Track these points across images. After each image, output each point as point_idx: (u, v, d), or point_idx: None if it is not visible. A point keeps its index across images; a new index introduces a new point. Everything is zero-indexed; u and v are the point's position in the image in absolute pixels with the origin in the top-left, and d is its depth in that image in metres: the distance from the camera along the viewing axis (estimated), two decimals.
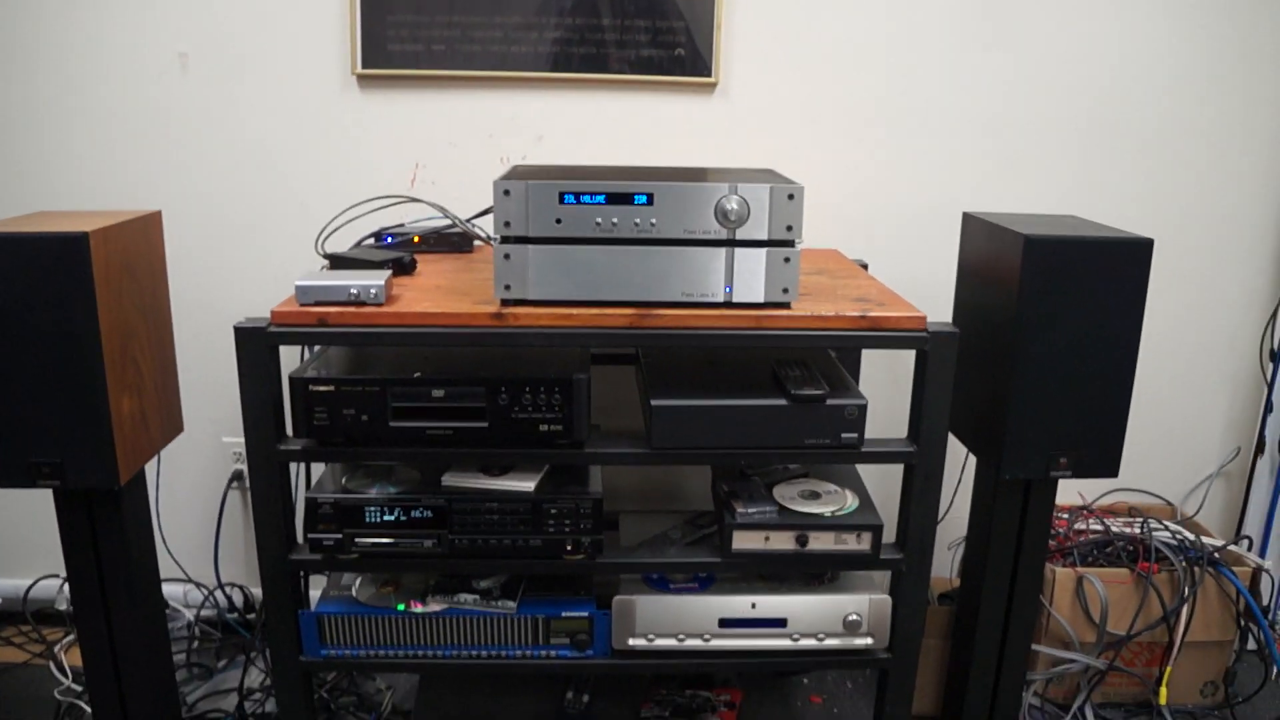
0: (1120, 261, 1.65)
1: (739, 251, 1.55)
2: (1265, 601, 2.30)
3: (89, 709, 1.92)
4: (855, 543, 1.70)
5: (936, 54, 2.18)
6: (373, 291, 1.58)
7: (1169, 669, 2.16)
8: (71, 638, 2.31)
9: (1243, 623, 2.19)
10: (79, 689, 2.12)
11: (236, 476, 2.35)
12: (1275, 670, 2.21)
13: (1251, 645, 2.33)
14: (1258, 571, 2.17)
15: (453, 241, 2.00)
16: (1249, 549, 2.36)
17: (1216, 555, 2.15)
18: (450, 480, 1.69)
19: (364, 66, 2.13)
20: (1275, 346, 2.32)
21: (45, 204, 2.19)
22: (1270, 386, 2.33)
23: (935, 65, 2.18)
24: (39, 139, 2.18)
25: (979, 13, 2.16)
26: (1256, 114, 2.24)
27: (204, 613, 2.39)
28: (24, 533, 2.41)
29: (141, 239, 1.71)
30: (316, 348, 1.80)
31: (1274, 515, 2.39)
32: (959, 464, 2.23)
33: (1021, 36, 2.17)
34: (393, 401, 1.58)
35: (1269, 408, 2.34)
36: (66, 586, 2.03)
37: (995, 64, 2.19)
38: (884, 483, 2.20)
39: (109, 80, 2.15)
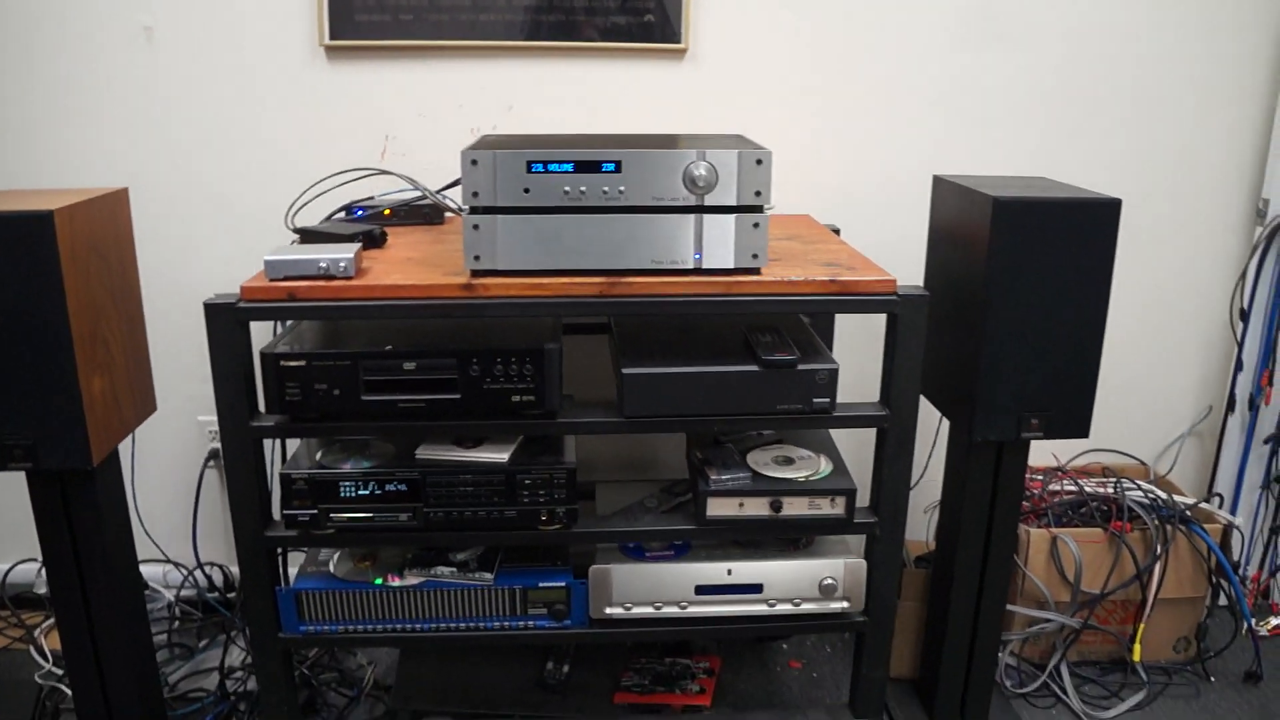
0: (1088, 222, 1.66)
1: (708, 218, 1.55)
2: (1235, 557, 2.33)
3: (70, 692, 1.92)
4: (829, 507, 1.71)
5: (906, 18, 2.17)
6: (342, 265, 1.57)
7: (1142, 626, 2.19)
8: (51, 621, 2.30)
9: (1214, 579, 2.22)
10: (59, 672, 2.12)
11: (213, 455, 2.34)
12: (1245, 625, 2.24)
13: (1223, 601, 2.37)
14: (1228, 528, 2.20)
15: (423, 213, 1.99)
16: (1220, 506, 2.39)
17: (1188, 513, 2.18)
18: (424, 453, 1.69)
19: (332, 38, 2.10)
20: (1245, 305, 2.33)
21: (7, 183, 2.16)
22: (1240, 345, 2.35)
23: (905, 29, 2.18)
24: (2, 116, 2.14)
25: None
26: (1226, 74, 2.24)
27: (184, 593, 2.39)
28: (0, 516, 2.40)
29: (108, 217, 1.69)
30: (288, 323, 1.79)
31: (1244, 473, 2.42)
32: (933, 427, 2.25)
33: (993, 2, 2.17)
34: (364, 375, 1.58)
35: (1239, 366, 2.36)
36: (44, 570, 2.02)
37: (965, 26, 2.18)
38: (857, 447, 2.21)
39: (72, 54, 2.11)
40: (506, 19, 2.11)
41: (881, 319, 1.67)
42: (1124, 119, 2.26)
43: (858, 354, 2.30)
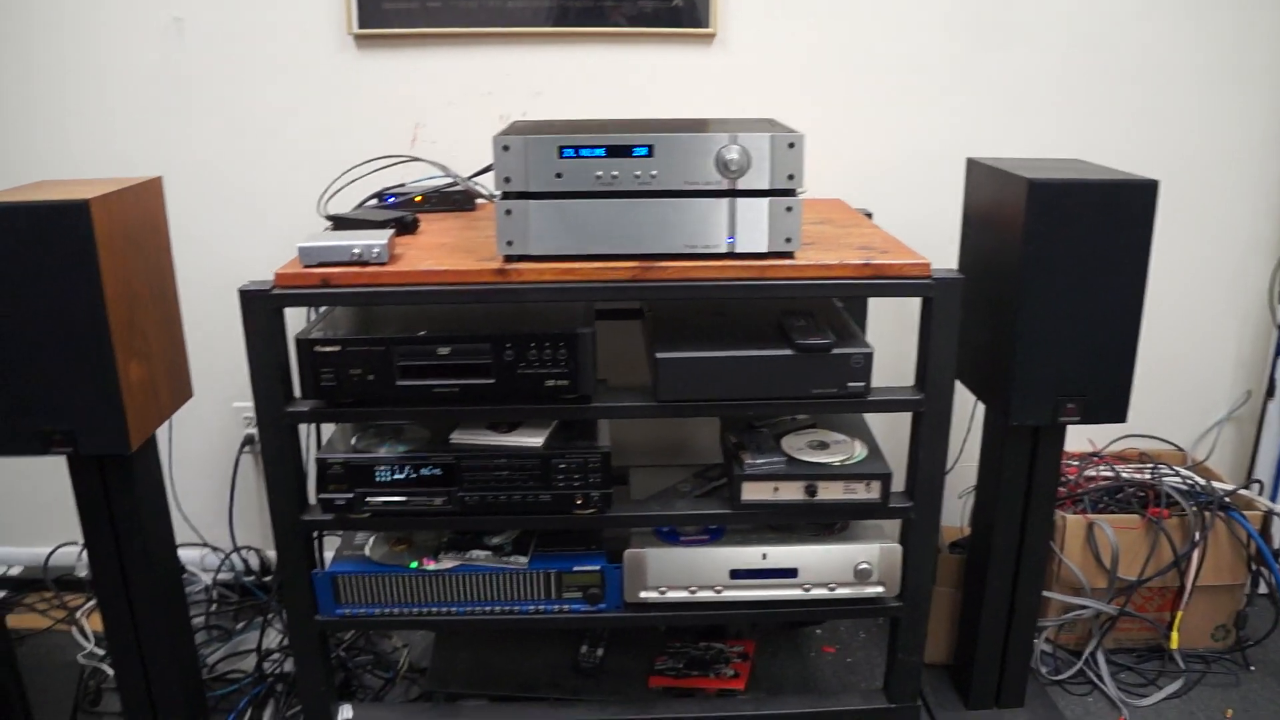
0: (1125, 204, 1.64)
1: (741, 202, 1.54)
2: (1276, 545, 2.30)
3: (112, 672, 1.95)
4: (864, 492, 1.70)
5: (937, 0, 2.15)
6: (375, 251, 1.58)
7: (1180, 613, 2.16)
8: (92, 603, 2.34)
9: (1254, 566, 2.19)
10: (101, 653, 2.15)
11: (248, 441, 2.37)
12: None
13: (1263, 589, 2.34)
14: (1269, 515, 2.17)
15: (455, 200, 2.00)
16: (1260, 493, 2.35)
17: (1227, 499, 2.15)
18: (458, 438, 1.69)
19: (361, 26, 2.11)
20: None
21: (44, 174, 2.17)
22: None
23: (936, 11, 2.15)
24: (36, 108, 2.17)
25: None
26: (1262, 52, 2.20)
27: (221, 576, 2.42)
28: (43, 501, 2.43)
29: (143, 206, 1.70)
30: (322, 309, 1.80)
31: None
32: (968, 412, 2.23)
33: None
34: (399, 360, 1.59)
35: (1279, 350, 2.33)
36: (85, 553, 2.05)
37: (998, 7, 2.15)
38: (892, 431, 2.19)
39: (104, 47, 2.13)
40: (535, 5, 2.11)
41: (915, 302, 1.66)
42: (1159, 98, 2.23)
43: (891, 337, 2.29)
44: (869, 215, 2.04)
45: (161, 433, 1.80)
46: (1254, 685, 2.15)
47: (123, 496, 1.75)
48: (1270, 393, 2.37)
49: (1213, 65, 2.21)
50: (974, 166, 1.88)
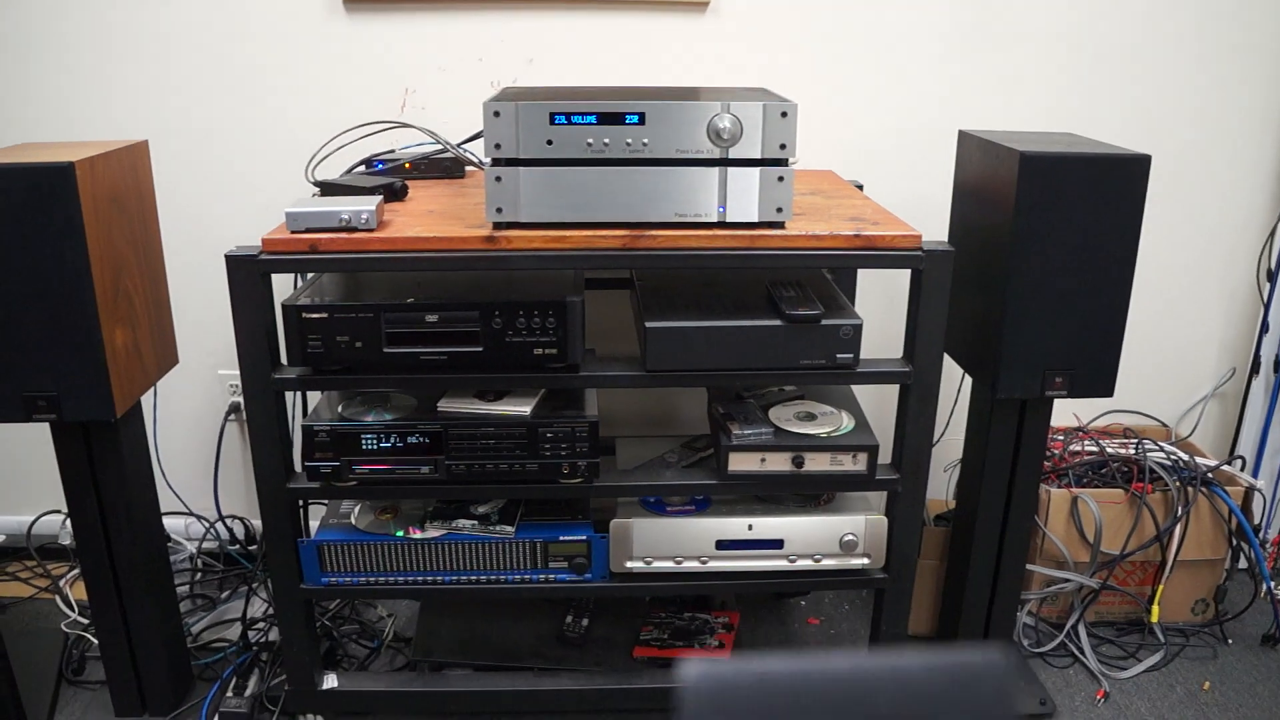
0: (1117, 178, 1.64)
1: (732, 171, 1.53)
2: (1256, 520, 2.32)
3: (96, 640, 1.95)
4: (851, 463, 1.71)
5: None
6: (364, 217, 1.56)
7: (1161, 587, 2.18)
8: (76, 572, 2.33)
9: (1234, 541, 2.21)
10: (85, 621, 2.15)
11: (234, 409, 2.35)
12: (1264, 588, 2.23)
13: (1242, 564, 2.36)
14: (1250, 491, 2.19)
15: (444, 166, 1.98)
16: (1242, 469, 2.37)
17: (1210, 475, 2.17)
18: (446, 406, 1.69)
19: None
20: (1272, 266, 2.31)
21: (28, 136, 2.16)
22: (1266, 307, 2.33)
23: None
24: (19, 69, 2.14)
25: None
26: (1256, 30, 2.20)
27: (205, 545, 2.41)
28: (26, 469, 2.42)
29: (129, 169, 1.69)
30: (309, 275, 1.79)
31: (1267, 435, 2.40)
32: (955, 386, 2.23)
33: None
34: (387, 328, 1.58)
35: (1265, 328, 2.34)
36: (69, 521, 2.04)
37: None
38: (880, 404, 2.20)
39: (89, 7, 2.10)
40: None
41: (904, 274, 1.66)
42: (1152, 74, 2.22)
43: (880, 309, 2.29)
44: (860, 187, 2.03)
45: (146, 400, 1.79)
46: (1231, 659, 2.18)
47: (107, 464, 1.74)
48: (1254, 370, 2.38)
49: (1206, 44, 2.21)
50: (965, 139, 1.88)
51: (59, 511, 2.34)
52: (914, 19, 2.16)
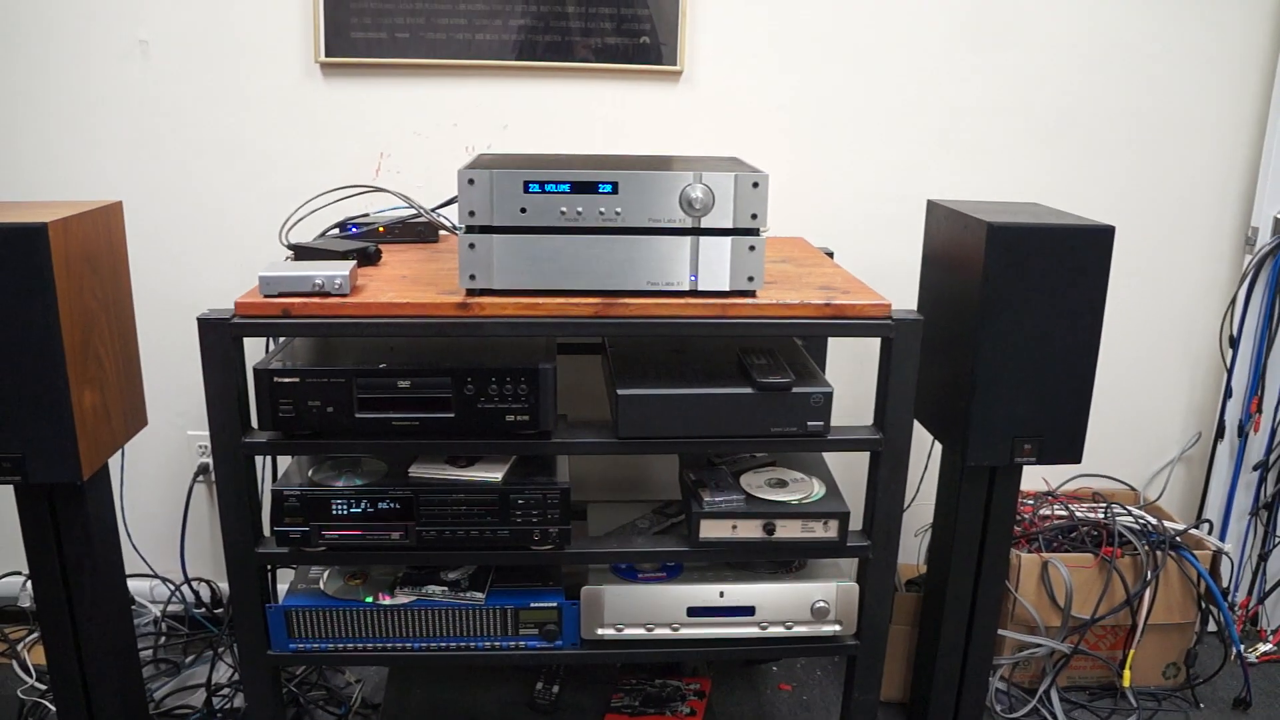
0: (1083, 249, 1.67)
1: (704, 240, 1.55)
2: (1225, 584, 2.34)
3: (54, 708, 1.90)
4: (822, 530, 1.71)
5: (901, 43, 2.19)
6: (337, 282, 1.57)
7: (1132, 652, 2.19)
8: (35, 635, 2.28)
9: (1203, 605, 2.23)
10: (43, 688, 2.10)
11: (202, 470, 2.33)
12: (1234, 651, 2.24)
13: (1212, 627, 2.37)
14: (1218, 554, 2.21)
15: (418, 231, 1.99)
16: (1209, 532, 2.39)
17: (1178, 539, 2.19)
18: (417, 471, 1.68)
19: (327, 55, 2.11)
20: (1234, 332, 2.35)
21: (3, 194, 2.15)
22: (1229, 372, 2.36)
23: (899, 54, 2.19)
24: None
25: (944, 4, 2.17)
26: (1216, 104, 2.26)
27: (170, 608, 2.37)
28: None
29: (102, 230, 1.68)
30: (281, 339, 1.78)
31: (1233, 499, 2.43)
32: (924, 450, 2.25)
33: (986, 28, 2.18)
34: (358, 393, 1.57)
35: (1228, 393, 2.38)
36: (29, 583, 2.00)
37: (959, 54, 2.20)
38: (849, 468, 2.21)
39: (69, 68, 2.11)
40: (502, 39, 2.12)
41: (874, 340, 1.67)
42: (1115, 147, 2.28)
43: (849, 373, 2.31)
44: (830, 254, 2.06)
45: (113, 460, 1.77)
46: None
47: (72, 526, 1.71)
48: (1219, 434, 2.41)
49: (1169, 117, 2.27)
50: (934, 208, 1.91)
51: (19, 573, 2.29)
52: (885, 91, 2.21)
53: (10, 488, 1.66)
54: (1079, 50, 2.21)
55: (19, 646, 2.26)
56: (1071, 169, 2.28)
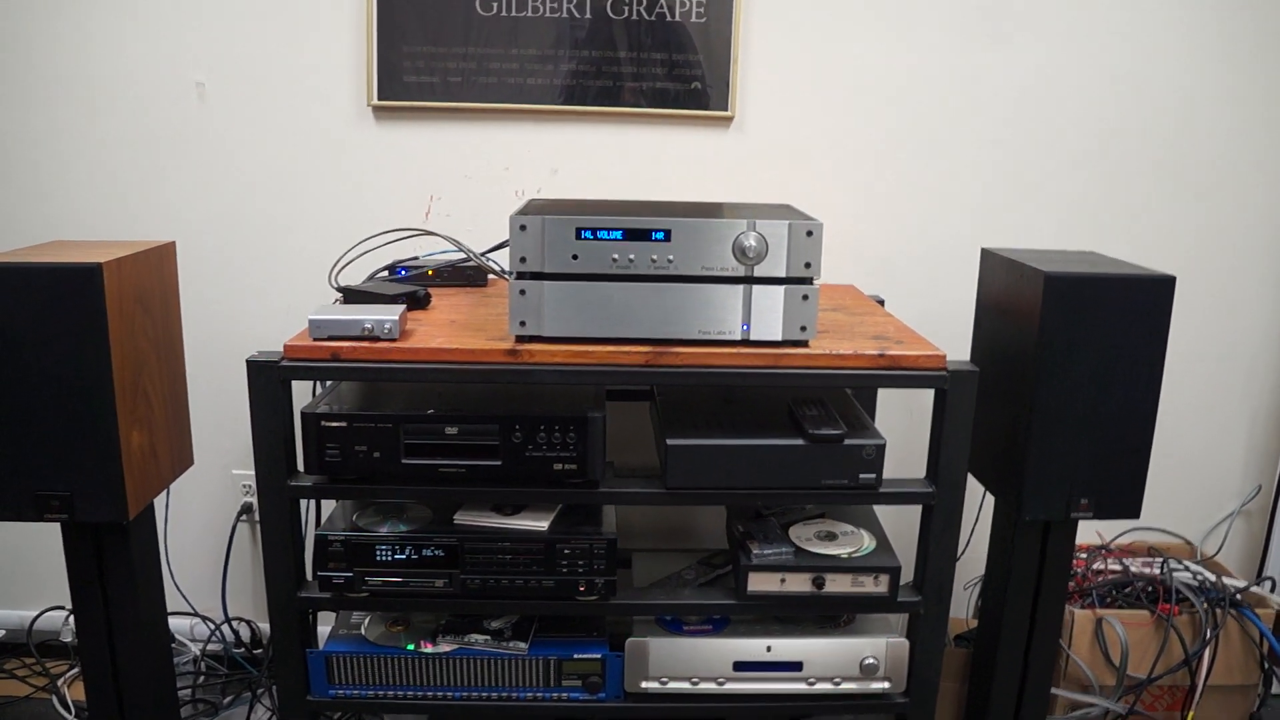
0: (1142, 299, 1.63)
1: (757, 289, 1.53)
2: None
3: None
4: (872, 585, 1.67)
5: (953, 87, 2.17)
6: (386, 326, 1.56)
7: (1191, 713, 2.12)
8: (75, 671, 2.28)
9: (1266, 666, 2.15)
10: None
11: (245, 509, 2.33)
12: None
13: (1276, 689, 2.29)
14: None
15: (467, 275, 1.99)
16: (1272, 590, 2.32)
17: (1238, 596, 2.12)
18: (462, 519, 1.67)
19: (380, 98, 2.12)
20: None
21: (60, 233, 2.18)
22: None
23: (952, 99, 2.17)
24: (55, 167, 2.17)
25: (996, 46, 2.15)
26: (1273, 143, 2.22)
27: (210, 647, 2.36)
28: (29, 563, 2.39)
29: (155, 270, 1.70)
30: (329, 382, 1.78)
31: None
32: (976, 501, 2.20)
33: (1038, 71, 2.16)
34: (405, 438, 1.56)
35: None
36: (72, 619, 2.00)
37: (1012, 98, 2.17)
38: (899, 519, 2.16)
39: (125, 109, 2.15)
40: (554, 83, 2.12)
41: (925, 391, 1.64)
42: (1172, 193, 2.24)
43: (901, 424, 2.27)
44: (881, 302, 2.03)
45: (158, 498, 1.77)
46: None
47: (117, 565, 1.71)
48: None
49: (1228, 163, 2.23)
50: (988, 257, 1.88)
51: (62, 608, 2.30)
52: (937, 135, 2.19)
53: (57, 525, 1.67)
54: (1138, 98, 2.18)
55: (59, 681, 2.26)
56: (1127, 216, 2.24)
